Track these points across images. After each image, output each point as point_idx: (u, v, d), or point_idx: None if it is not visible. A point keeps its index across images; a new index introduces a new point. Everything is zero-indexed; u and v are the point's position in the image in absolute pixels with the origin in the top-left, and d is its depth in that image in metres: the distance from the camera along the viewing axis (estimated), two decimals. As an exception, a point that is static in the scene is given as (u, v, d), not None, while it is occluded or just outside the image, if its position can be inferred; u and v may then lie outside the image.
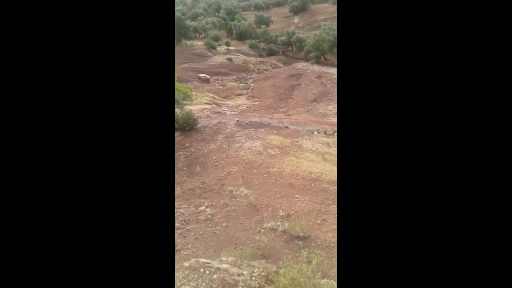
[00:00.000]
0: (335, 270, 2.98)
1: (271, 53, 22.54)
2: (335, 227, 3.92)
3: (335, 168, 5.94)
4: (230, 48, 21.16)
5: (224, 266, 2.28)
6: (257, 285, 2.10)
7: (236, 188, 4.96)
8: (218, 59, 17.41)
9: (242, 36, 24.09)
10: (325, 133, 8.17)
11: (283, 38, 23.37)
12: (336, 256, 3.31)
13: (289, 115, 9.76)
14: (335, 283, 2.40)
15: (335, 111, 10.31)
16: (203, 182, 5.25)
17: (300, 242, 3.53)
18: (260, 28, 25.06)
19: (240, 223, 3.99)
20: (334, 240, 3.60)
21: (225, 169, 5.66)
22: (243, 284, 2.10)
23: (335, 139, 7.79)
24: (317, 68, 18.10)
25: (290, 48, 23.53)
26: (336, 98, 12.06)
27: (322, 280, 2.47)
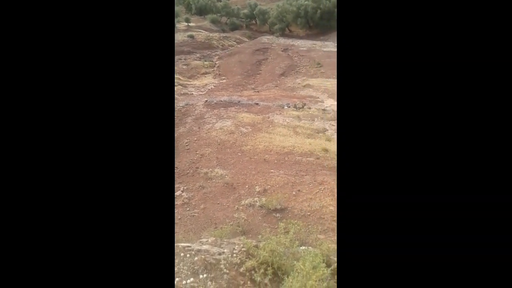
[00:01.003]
0: (312, 237, 3.14)
1: (234, 28, 21.80)
2: (310, 196, 4.10)
3: (307, 140, 6.09)
4: (191, 24, 20.13)
5: (204, 247, 2.31)
6: (239, 261, 2.17)
7: (210, 169, 4.94)
8: (179, 36, 16.52)
9: (202, 11, 22.94)
10: (295, 107, 8.26)
11: (245, 11, 22.59)
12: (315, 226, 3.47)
13: (258, 92, 9.69)
14: (312, 249, 2.54)
15: (304, 84, 10.40)
16: (176, 167, 5.15)
17: (278, 215, 3.65)
18: (221, 1, 23.95)
19: (218, 203, 4.02)
20: (309, 209, 3.76)
21: (197, 152, 5.58)
22: (225, 262, 2.15)
23: (305, 112, 7.92)
24: (282, 41, 17.87)
25: (253, 22, 22.89)
26: (304, 71, 12.12)
27: (301, 248, 2.60)
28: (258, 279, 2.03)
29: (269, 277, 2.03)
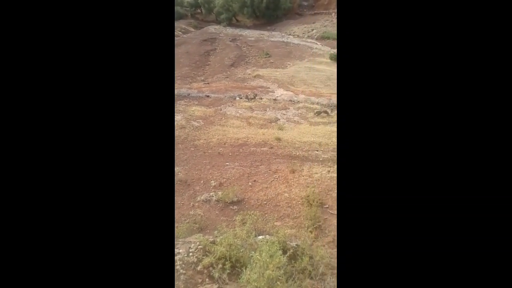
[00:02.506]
0: (269, 225, 3.21)
1: (179, 17, 20.82)
2: (266, 185, 4.17)
3: (260, 131, 6.15)
4: (131, 13, 18.68)
5: (158, 250, 2.21)
6: (195, 260, 2.11)
7: (162, 167, 4.72)
8: (118, 27, 15.23)
9: None
10: (246, 97, 8.26)
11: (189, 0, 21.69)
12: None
13: (208, 83, 9.46)
14: (270, 237, 2.59)
15: (254, 74, 10.42)
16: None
17: (235, 207, 3.65)
18: (162, -12, 22.58)
19: (173, 202, 3.87)
20: (266, 198, 3.83)
21: (147, 150, 5.28)
22: (181, 262, 2.08)
23: (257, 103, 7.97)
24: (230, 30, 17.61)
25: (198, 11, 22.11)
26: (253, 61, 12.11)
27: (258, 238, 2.63)
28: (217, 275, 2.00)
29: (228, 271, 2.02)
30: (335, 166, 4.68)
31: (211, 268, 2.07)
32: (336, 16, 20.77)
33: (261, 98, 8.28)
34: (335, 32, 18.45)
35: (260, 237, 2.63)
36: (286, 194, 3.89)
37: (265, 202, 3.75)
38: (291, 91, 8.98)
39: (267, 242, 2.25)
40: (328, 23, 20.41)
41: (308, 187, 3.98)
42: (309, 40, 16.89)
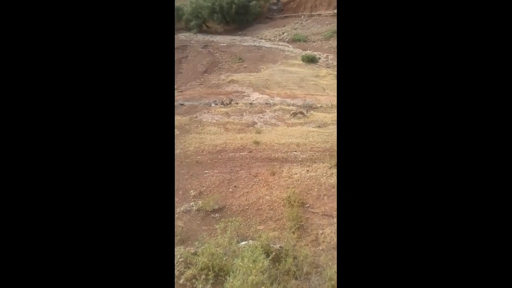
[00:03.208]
0: (252, 229, 3.19)
1: (148, 26, 20.42)
2: (247, 190, 4.15)
3: (238, 136, 6.14)
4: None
5: (137, 267, 2.13)
6: (177, 273, 2.05)
7: (139, 180, 4.56)
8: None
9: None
10: (222, 103, 8.22)
11: (158, 8, 21.36)
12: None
13: (182, 91, 9.32)
14: (253, 242, 2.58)
15: (228, 79, 10.41)
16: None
17: (217, 215, 3.59)
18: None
19: (152, 216, 3.75)
20: (247, 202, 3.81)
21: (122, 164, 5.09)
22: (162, 278, 2.02)
23: (233, 108, 7.96)
24: (201, 37, 17.52)
25: (168, 19, 21.81)
26: (226, 67, 12.11)
27: (241, 243, 2.60)
28: (200, 286, 1.95)
29: (211, 281, 1.98)
30: (314, 165, 4.76)
31: (194, 280, 2.02)
32: (305, 19, 21.29)
33: (237, 103, 8.28)
34: (306, 34, 18.87)
35: (243, 243, 2.61)
36: (267, 197, 3.90)
37: (247, 207, 3.73)
38: (267, 94, 9.06)
39: (250, 247, 2.24)
40: (298, 26, 20.87)
41: (288, 188, 4.01)
42: (280, 43, 17.16)
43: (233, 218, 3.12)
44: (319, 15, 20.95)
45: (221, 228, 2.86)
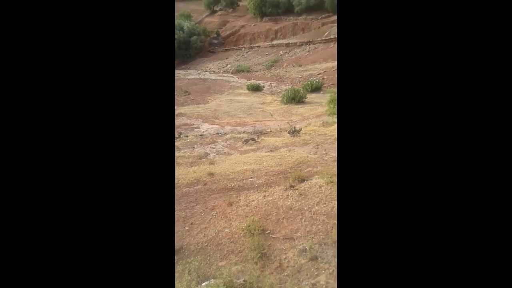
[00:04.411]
0: (214, 267, 3.01)
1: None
2: (204, 226, 3.96)
3: (190, 169, 5.95)
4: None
5: None
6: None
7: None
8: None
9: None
10: (171, 137, 8.00)
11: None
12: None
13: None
14: (215, 281, 2.42)
15: (176, 113, 10.25)
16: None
17: (175, 258, 3.33)
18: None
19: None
20: (206, 239, 3.62)
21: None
22: None
23: (183, 141, 7.78)
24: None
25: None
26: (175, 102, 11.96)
27: (202, 284, 2.43)
28: None
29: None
30: (270, 189, 4.80)
31: None
32: (246, 51, 22.48)
33: (187, 136, 8.14)
34: (249, 65, 19.85)
35: (204, 283, 2.44)
36: (227, 230, 3.77)
37: (206, 244, 3.54)
38: (217, 124, 9.10)
39: (212, 287, 2.09)
40: (240, 58, 21.91)
41: (247, 216, 3.94)
42: (225, 74, 17.72)
43: (192, 258, 2.93)
44: (258, 46, 22.36)
45: (179, 271, 2.65)
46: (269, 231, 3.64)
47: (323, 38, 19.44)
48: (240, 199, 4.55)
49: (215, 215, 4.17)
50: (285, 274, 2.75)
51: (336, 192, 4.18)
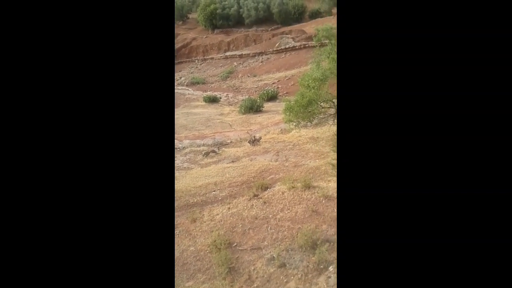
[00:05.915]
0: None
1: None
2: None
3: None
4: None
5: None
6: None
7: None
8: None
9: None
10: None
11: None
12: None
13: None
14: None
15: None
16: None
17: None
18: None
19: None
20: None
21: None
22: None
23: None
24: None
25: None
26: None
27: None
28: None
29: None
30: (234, 201, 4.75)
31: None
32: (199, 63, 22.34)
33: (143, 154, 7.74)
34: (203, 77, 19.72)
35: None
36: (191, 248, 3.62)
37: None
38: (175, 139, 8.81)
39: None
40: (194, 70, 21.70)
41: (212, 231, 3.84)
42: (180, 87, 17.36)
43: None
44: (212, 58, 22.40)
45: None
46: (235, 244, 3.59)
47: (275, 49, 20.20)
48: (203, 214, 4.43)
49: (178, 234, 3.99)
50: (255, 285, 2.72)
51: (298, 197, 4.28)
